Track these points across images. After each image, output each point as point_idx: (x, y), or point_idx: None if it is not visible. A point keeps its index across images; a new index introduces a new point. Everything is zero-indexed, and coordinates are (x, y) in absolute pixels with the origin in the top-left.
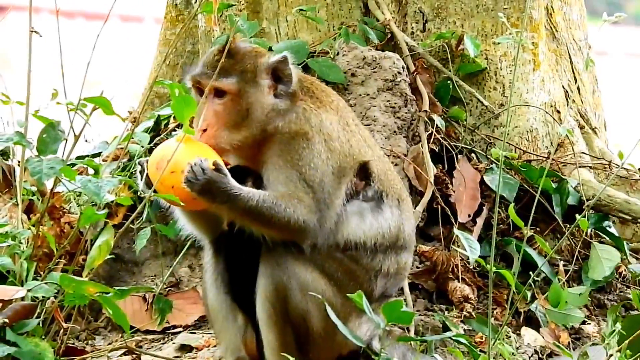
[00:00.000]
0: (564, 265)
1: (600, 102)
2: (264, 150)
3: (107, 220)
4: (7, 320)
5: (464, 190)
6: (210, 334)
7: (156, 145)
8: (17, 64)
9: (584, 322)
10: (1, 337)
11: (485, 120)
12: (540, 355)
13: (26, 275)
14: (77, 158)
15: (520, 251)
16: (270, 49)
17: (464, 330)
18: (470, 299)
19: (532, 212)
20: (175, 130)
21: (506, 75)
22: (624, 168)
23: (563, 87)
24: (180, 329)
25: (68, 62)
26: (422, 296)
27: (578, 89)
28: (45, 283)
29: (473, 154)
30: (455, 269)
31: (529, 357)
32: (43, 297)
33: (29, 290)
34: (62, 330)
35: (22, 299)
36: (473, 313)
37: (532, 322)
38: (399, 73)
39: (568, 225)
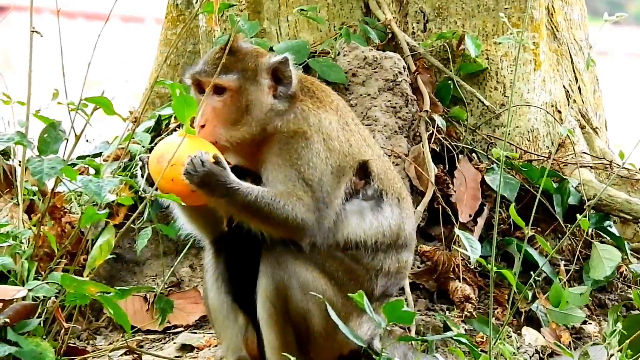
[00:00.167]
0: (565, 265)
1: (601, 102)
2: (263, 149)
3: (108, 220)
4: (8, 320)
5: (465, 190)
6: (211, 333)
7: (157, 145)
8: (18, 64)
9: (585, 322)
10: (2, 336)
11: (486, 120)
12: (541, 355)
13: (27, 275)
14: (78, 158)
15: (521, 251)
16: (271, 49)
17: (465, 330)
18: (471, 299)
19: (533, 212)
20: (176, 130)
21: (507, 75)
22: (625, 168)
23: (564, 87)
24: (181, 329)
25: (69, 62)
26: (423, 296)
27: (579, 88)
28: (46, 283)
29: (474, 154)
30: (456, 269)
31: (530, 357)
32: (44, 296)
33: (30, 290)
34: (63, 330)
35: (23, 298)
36: (474, 313)
37: (533, 321)
38: (400, 73)
39: (569, 225)
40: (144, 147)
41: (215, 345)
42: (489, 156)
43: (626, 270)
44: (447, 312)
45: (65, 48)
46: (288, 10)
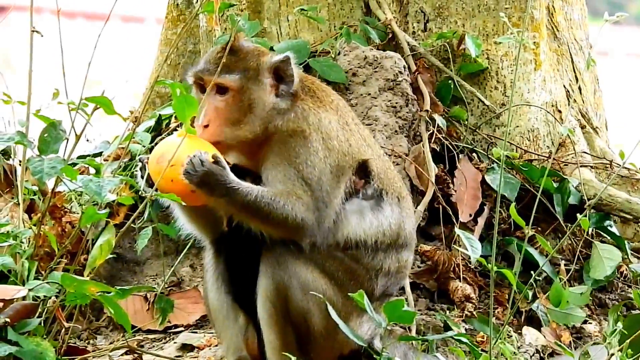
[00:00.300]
0: (565, 265)
1: (602, 101)
2: (264, 149)
3: (109, 219)
4: (8, 320)
5: (465, 189)
6: (212, 333)
7: (157, 144)
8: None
9: (585, 322)
10: (3, 336)
11: (487, 119)
12: (541, 355)
13: (27, 275)
14: (79, 158)
15: (521, 250)
16: (271, 49)
17: (466, 329)
18: (472, 299)
19: (534, 211)
20: (176, 130)
21: (507, 75)
22: (625, 168)
23: (564, 86)
24: (182, 329)
25: (69, 62)
26: (424, 295)
27: (579, 88)
28: (47, 282)
29: (474, 154)
30: (457, 269)
31: (531, 357)
32: (44, 296)
33: (30, 290)
34: (63, 330)
35: (24, 298)
36: (474, 312)
37: (534, 321)
38: (400, 73)
39: (569, 225)
40: (144, 146)
41: (216, 345)
42: (490, 156)
43: (626, 269)
44: (447, 312)
45: (65, 48)
46: (288, 10)
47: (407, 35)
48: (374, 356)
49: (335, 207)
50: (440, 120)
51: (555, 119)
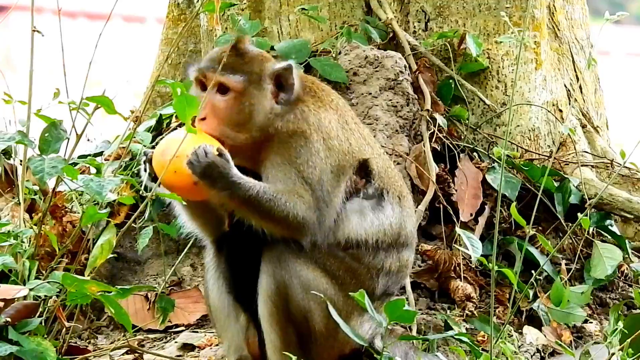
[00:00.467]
0: (566, 264)
1: (602, 101)
2: (264, 150)
3: (109, 219)
4: (9, 319)
5: (466, 189)
6: (213, 333)
7: (162, 138)
8: (19, 63)
9: (586, 321)
10: (3, 336)
11: (487, 119)
12: (542, 354)
13: (28, 275)
14: (79, 157)
15: (522, 250)
16: (272, 48)
17: (466, 329)
18: (473, 298)
19: (534, 211)
20: (177, 129)
21: (508, 74)
22: (626, 167)
23: (565, 86)
24: (183, 328)
25: (70, 61)
26: (424, 295)
27: (580, 87)
28: (48, 282)
29: (475, 153)
30: (457, 268)
31: (531, 356)
32: (45, 296)
33: (31, 289)
34: (64, 329)
35: (25, 298)
36: (475, 312)
37: (534, 320)
38: (401, 72)
39: (570, 224)
40: (145, 146)
41: (217, 345)
42: (490, 155)
43: (627, 269)
44: (448, 311)
45: (66, 47)
46: (289, 9)
47: (408, 34)
48: (375, 355)
49: (336, 207)
50: (441, 120)
51: (556, 118)
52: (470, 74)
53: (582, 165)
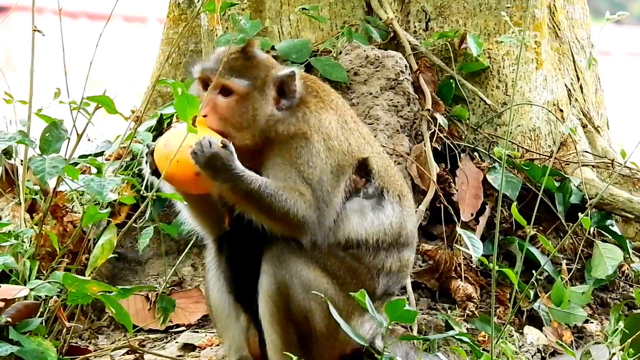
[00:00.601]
0: (566, 264)
1: (603, 101)
2: (264, 152)
3: (110, 219)
4: (10, 319)
5: (467, 189)
6: (213, 333)
7: (164, 132)
8: (19, 63)
9: (586, 321)
10: (4, 336)
11: (488, 119)
12: (543, 354)
13: (29, 274)
14: (80, 157)
15: (523, 250)
16: (273, 48)
17: (467, 329)
18: (473, 298)
19: (535, 210)
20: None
21: (509, 74)
22: (627, 167)
23: (566, 85)
24: (183, 328)
25: (71, 61)
26: (425, 295)
27: (581, 87)
28: (48, 282)
29: (476, 153)
30: (458, 268)
31: (532, 356)
32: (46, 296)
33: (32, 289)
34: (65, 329)
35: (25, 298)
36: (476, 312)
37: (535, 320)
38: (402, 72)
39: (571, 224)
40: (147, 146)
41: (217, 345)
42: (491, 155)
43: (628, 269)
44: (449, 311)
45: (67, 47)
46: (290, 9)
47: (409, 34)
48: (376, 355)
49: (336, 207)
50: (441, 120)
51: (556, 118)
52: (471, 74)
53: (582, 165)
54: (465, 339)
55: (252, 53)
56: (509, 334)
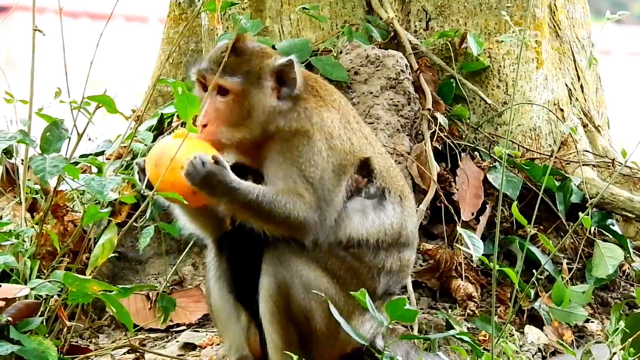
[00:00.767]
0: (567, 264)
1: (604, 100)
2: (265, 148)
3: (111, 218)
4: (10, 319)
5: (467, 188)
6: (214, 332)
7: (151, 149)
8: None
9: (587, 320)
10: (5, 335)
11: (489, 118)
12: (543, 354)
13: (30, 274)
14: (81, 156)
15: (523, 249)
16: (273, 47)
17: (468, 328)
18: (474, 297)
19: (536, 210)
20: (178, 128)
21: (509, 74)
22: (627, 166)
23: (566, 85)
24: (184, 327)
25: (72, 61)
26: (426, 294)
27: (581, 87)
28: (49, 281)
29: (476, 152)
30: (459, 267)
31: (533, 355)
32: (47, 295)
33: (32, 289)
34: (65, 329)
35: (26, 297)
36: (476, 311)
37: (536, 320)
38: (402, 71)
39: (571, 224)
40: (146, 145)
41: (218, 344)
42: (491, 154)
43: (629, 268)
44: (449, 311)
45: (68, 47)
46: (290, 8)
47: (409, 33)
48: (376, 355)
49: (337, 206)
50: (442, 119)
51: (557, 117)
52: (472, 73)
53: (583, 165)
54: (465, 338)
55: (242, 48)
56: (510, 334)
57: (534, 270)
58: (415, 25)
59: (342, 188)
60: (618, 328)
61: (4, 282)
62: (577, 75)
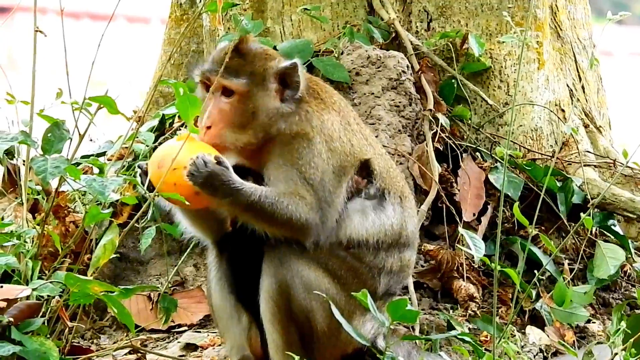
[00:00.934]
0: (568, 264)
1: (605, 100)
2: (266, 151)
3: (112, 219)
4: (12, 319)
5: (469, 189)
6: (215, 332)
7: (160, 144)
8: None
9: (588, 321)
10: (6, 336)
11: (490, 119)
12: (545, 354)
13: (31, 274)
14: (82, 157)
15: (525, 250)
16: (274, 48)
17: (469, 329)
18: (475, 298)
19: (537, 210)
20: (180, 129)
21: (510, 74)
22: (629, 167)
23: (567, 85)
24: (185, 328)
25: (73, 61)
26: (427, 295)
27: (582, 87)
28: (51, 282)
29: (478, 153)
30: (460, 268)
31: (534, 356)
32: (48, 296)
33: (34, 289)
34: (67, 329)
35: (28, 298)
36: (478, 312)
37: (537, 320)
38: (404, 72)
39: (573, 224)
40: (147, 146)
41: (219, 345)
42: (493, 155)
43: (630, 269)
44: (451, 311)
45: (69, 48)
46: (292, 9)
47: (410, 34)
48: (377, 355)
49: (337, 207)
50: (443, 120)
51: (558, 118)
52: (473, 74)
53: (584, 165)
54: (467, 338)
55: (246, 49)
56: (511, 334)
57: (536, 271)
58: (417, 26)
59: (342, 189)
60: (619, 328)
61: (5, 282)
62: (579, 75)
